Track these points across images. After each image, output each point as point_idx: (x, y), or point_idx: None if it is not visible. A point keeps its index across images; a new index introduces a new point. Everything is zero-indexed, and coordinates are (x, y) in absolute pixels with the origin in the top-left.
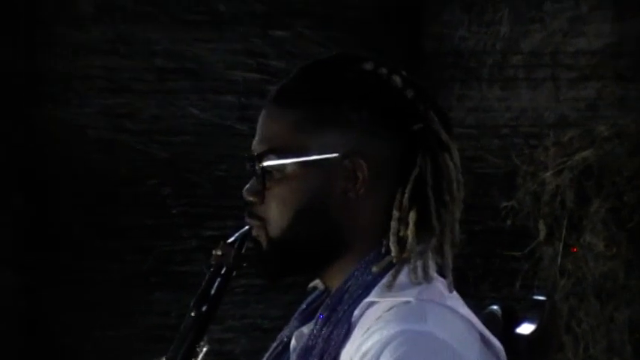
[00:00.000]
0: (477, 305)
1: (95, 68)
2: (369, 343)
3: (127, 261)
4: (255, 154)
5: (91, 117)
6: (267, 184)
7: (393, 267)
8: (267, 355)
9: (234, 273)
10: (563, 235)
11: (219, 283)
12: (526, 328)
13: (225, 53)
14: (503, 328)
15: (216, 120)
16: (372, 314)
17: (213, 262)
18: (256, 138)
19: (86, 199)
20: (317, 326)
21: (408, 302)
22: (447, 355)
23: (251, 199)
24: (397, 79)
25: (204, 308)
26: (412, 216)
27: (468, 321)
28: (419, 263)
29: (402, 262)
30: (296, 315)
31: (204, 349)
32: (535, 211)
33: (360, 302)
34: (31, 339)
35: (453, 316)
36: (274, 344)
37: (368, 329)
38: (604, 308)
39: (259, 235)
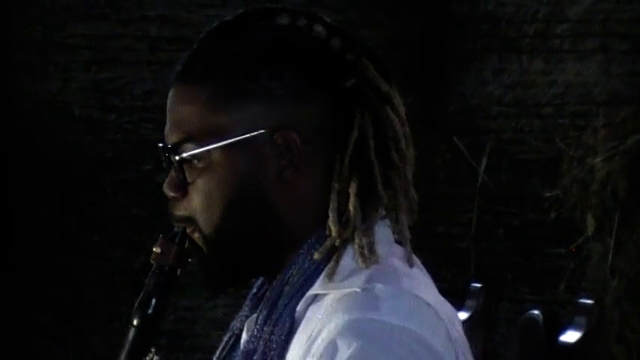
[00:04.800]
0: (515, 309)
1: (79, 36)
2: (317, 343)
3: (113, 258)
4: (170, 144)
5: (74, 93)
6: (189, 177)
7: (337, 250)
8: (219, 349)
9: (179, 271)
10: (614, 230)
11: (163, 284)
12: (571, 336)
13: None
14: (544, 335)
15: None
16: (317, 309)
17: (152, 262)
18: (167, 124)
19: (68, 187)
20: (257, 326)
21: (354, 292)
22: (408, 342)
23: (172, 194)
24: (320, 29)
25: (148, 314)
26: (352, 186)
27: (428, 305)
28: (364, 241)
29: (346, 242)
30: (247, 301)
31: (155, 359)
32: (582, 202)
33: (302, 294)
34: None
35: (410, 298)
36: (226, 337)
37: (315, 327)
38: None
39: (194, 236)
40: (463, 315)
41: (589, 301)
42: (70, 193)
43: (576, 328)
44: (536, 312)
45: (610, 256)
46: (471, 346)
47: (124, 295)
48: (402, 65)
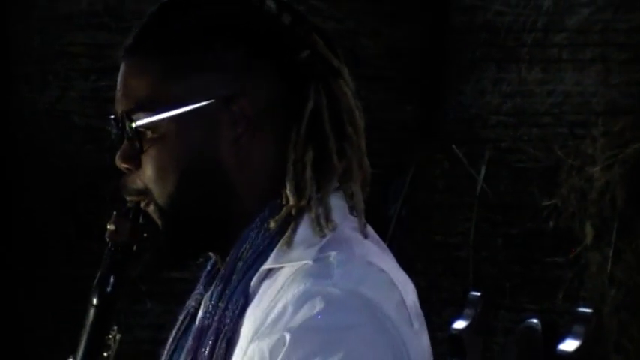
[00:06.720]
0: (513, 318)
1: (78, 45)
2: (272, 315)
3: None
4: (123, 113)
5: (73, 101)
6: (144, 147)
7: (293, 219)
8: (175, 328)
9: (135, 247)
10: (612, 239)
11: (119, 262)
12: (569, 345)
13: None
14: (543, 344)
15: None
16: (271, 283)
17: (107, 240)
18: (119, 95)
19: (67, 196)
20: (211, 302)
21: (308, 263)
22: (362, 304)
23: (126, 166)
24: (271, 4)
25: (106, 292)
26: (308, 157)
27: (383, 271)
28: (320, 210)
29: (301, 212)
30: (201, 279)
31: (118, 337)
32: (581, 212)
33: (256, 270)
34: None
35: (363, 264)
36: (181, 316)
37: (272, 301)
38: None
39: (149, 210)
40: (462, 323)
41: (587, 310)
42: (69, 202)
43: (574, 337)
44: (534, 321)
45: (608, 265)
46: (469, 355)
47: (124, 304)
48: (402, 74)
